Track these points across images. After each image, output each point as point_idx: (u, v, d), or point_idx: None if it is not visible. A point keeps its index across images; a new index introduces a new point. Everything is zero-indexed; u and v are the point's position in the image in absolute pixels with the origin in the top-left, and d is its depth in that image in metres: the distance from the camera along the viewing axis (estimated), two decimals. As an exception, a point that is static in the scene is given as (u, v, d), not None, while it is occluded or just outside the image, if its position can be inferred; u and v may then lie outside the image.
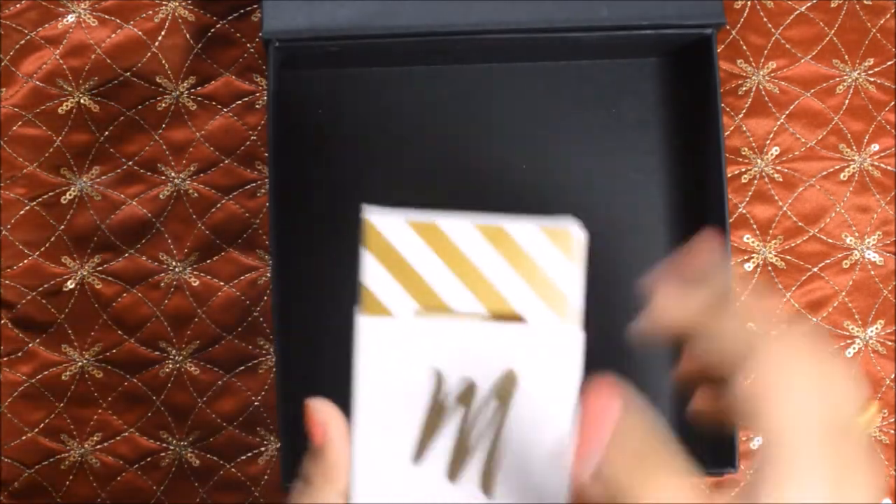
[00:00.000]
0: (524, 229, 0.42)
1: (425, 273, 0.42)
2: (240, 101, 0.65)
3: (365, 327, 0.44)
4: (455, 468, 0.44)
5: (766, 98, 0.65)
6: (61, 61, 0.64)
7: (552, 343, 0.42)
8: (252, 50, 0.65)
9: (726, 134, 0.65)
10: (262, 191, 0.64)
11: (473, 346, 0.44)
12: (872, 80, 0.65)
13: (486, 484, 0.44)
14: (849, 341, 0.64)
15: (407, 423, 0.44)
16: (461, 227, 0.43)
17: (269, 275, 0.63)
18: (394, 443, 0.44)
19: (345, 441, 0.43)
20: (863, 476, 0.36)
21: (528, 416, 0.44)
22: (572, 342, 0.42)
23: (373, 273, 0.42)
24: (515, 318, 0.42)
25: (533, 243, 0.42)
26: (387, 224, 0.43)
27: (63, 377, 0.63)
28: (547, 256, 0.42)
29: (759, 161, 0.65)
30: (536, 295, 0.42)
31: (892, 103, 0.65)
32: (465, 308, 0.42)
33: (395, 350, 0.44)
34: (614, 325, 0.63)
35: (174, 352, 0.63)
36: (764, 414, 0.37)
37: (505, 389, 0.44)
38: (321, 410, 0.44)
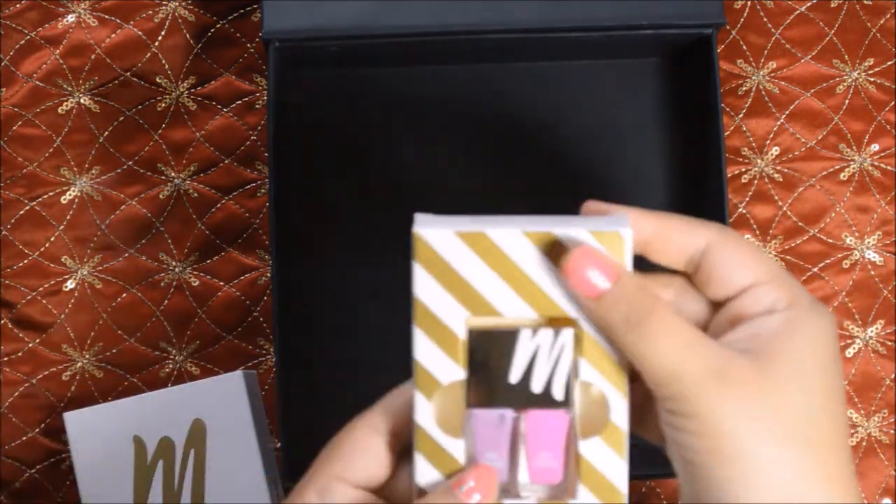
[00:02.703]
0: (573, 234, 0.43)
1: (476, 282, 0.43)
2: (240, 101, 0.65)
3: (69, 421, 0.58)
4: None
5: (766, 98, 0.65)
6: (61, 61, 0.64)
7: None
8: (252, 50, 0.65)
9: (726, 134, 0.65)
10: (262, 191, 0.64)
11: (164, 408, 0.57)
12: (872, 80, 0.65)
13: None
14: (849, 341, 0.64)
15: (124, 488, 0.57)
16: (509, 235, 0.43)
17: (269, 275, 0.63)
18: None
19: (367, 430, 0.42)
20: None
21: (221, 454, 0.57)
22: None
23: (424, 285, 0.43)
24: (568, 322, 0.43)
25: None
26: (435, 236, 0.43)
27: (63, 377, 0.63)
28: None
29: (759, 161, 0.65)
30: None
31: (892, 103, 0.65)
32: (516, 314, 0.43)
33: (101, 433, 0.57)
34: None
35: (174, 352, 0.63)
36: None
37: (196, 436, 0.56)
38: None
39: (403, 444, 0.42)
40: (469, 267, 0.43)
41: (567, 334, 0.43)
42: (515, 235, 0.43)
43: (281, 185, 0.60)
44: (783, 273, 0.41)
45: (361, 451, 0.41)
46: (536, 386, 0.43)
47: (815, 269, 0.64)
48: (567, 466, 0.44)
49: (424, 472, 0.42)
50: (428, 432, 0.43)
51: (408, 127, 0.64)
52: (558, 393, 0.43)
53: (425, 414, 0.43)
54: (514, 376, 0.44)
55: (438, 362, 0.43)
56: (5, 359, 0.63)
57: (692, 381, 0.38)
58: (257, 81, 0.65)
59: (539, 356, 0.43)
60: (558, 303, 0.43)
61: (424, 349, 0.43)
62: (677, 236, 0.42)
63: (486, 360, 0.44)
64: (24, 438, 0.63)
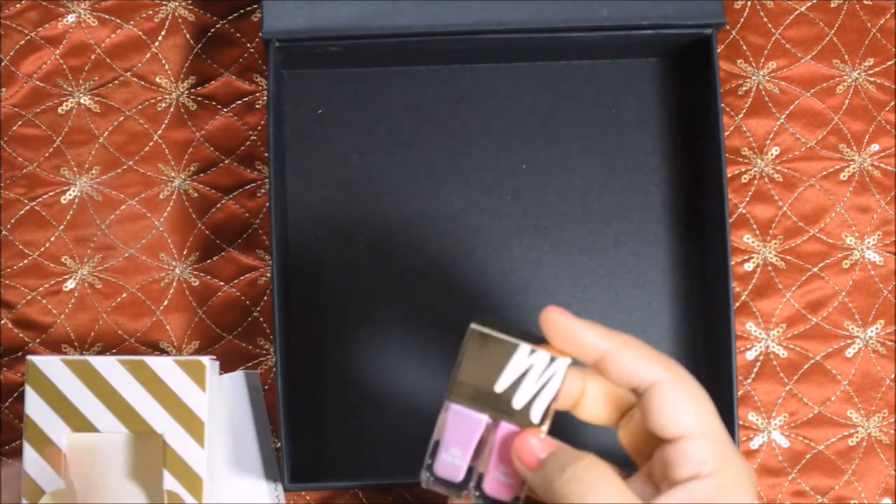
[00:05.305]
0: (160, 362, 0.55)
1: (77, 401, 0.55)
2: (240, 101, 0.65)
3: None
4: None
5: (766, 98, 0.65)
6: (61, 61, 0.64)
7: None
8: (252, 50, 0.65)
9: (726, 134, 0.65)
10: (262, 191, 0.64)
11: None
12: (872, 80, 0.65)
13: None
14: (849, 341, 0.64)
15: None
16: (107, 363, 0.55)
17: (269, 275, 0.63)
18: None
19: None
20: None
21: (221, 454, 0.59)
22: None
23: (33, 405, 0.55)
24: (564, 354, 0.46)
25: (168, 373, 0.55)
26: (45, 363, 0.55)
27: (63, 377, 0.63)
28: (180, 383, 0.55)
29: (759, 161, 0.65)
30: (170, 415, 0.55)
31: (892, 103, 0.65)
32: (110, 428, 0.55)
33: None
34: (614, 324, 0.63)
35: (175, 352, 0.63)
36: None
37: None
38: None
39: None
40: (73, 389, 0.55)
41: (562, 364, 0.45)
42: (112, 363, 0.55)
43: (281, 185, 0.60)
44: (717, 430, 0.44)
45: None
46: (517, 402, 0.45)
47: (815, 269, 0.64)
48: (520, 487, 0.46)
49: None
50: None
51: (408, 127, 0.64)
52: (535, 415, 0.44)
53: None
54: (500, 386, 0.45)
55: (43, 473, 0.54)
56: (5, 359, 0.63)
57: None
58: (257, 81, 0.65)
59: (528, 376, 0.45)
60: (146, 419, 0.54)
61: (31, 460, 0.54)
62: (629, 362, 0.45)
63: (479, 363, 0.44)
64: (24, 438, 0.63)
